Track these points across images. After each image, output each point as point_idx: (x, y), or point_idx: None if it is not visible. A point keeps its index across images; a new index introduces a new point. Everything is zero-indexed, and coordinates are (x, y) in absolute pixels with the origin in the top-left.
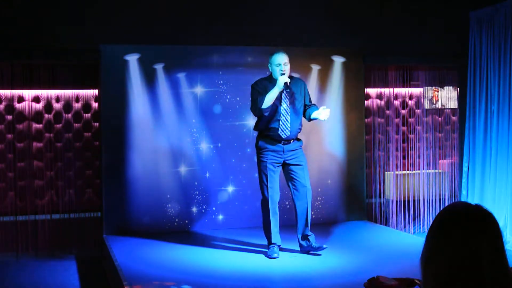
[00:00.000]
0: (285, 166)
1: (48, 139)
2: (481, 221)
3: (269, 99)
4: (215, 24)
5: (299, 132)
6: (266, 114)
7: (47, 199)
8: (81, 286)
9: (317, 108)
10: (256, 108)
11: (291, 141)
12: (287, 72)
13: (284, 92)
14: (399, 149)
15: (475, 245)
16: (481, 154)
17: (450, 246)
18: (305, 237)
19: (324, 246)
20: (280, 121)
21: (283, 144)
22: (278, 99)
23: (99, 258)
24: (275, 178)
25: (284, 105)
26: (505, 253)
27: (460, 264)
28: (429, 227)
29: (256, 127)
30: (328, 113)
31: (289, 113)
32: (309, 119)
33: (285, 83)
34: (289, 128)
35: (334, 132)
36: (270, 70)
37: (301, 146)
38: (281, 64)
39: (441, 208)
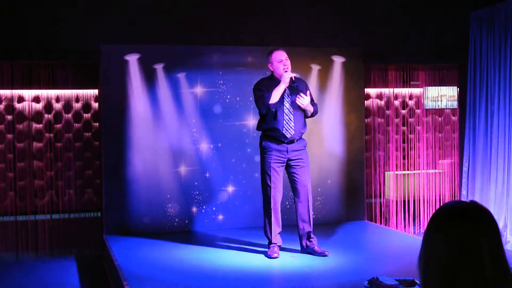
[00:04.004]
0: (288, 166)
1: (48, 139)
2: (477, 217)
3: (276, 95)
4: (215, 24)
5: (304, 133)
6: (274, 110)
7: (47, 199)
8: (81, 286)
9: (316, 106)
10: (264, 104)
11: (295, 141)
12: (290, 68)
13: (292, 86)
14: (399, 149)
15: (473, 242)
16: (481, 154)
17: (447, 245)
18: (307, 238)
19: (326, 253)
20: (284, 121)
21: (286, 144)
22: (280, 98)
23: (99, 258)
24: (278, 178)
25: (287, 105)
26: (504, 249)
27: (458, 262)
28: (425, 226)
29: (259, 127)
30: (302, 100)
31: (292, 113)
32: (306, 116)
33: (291, 78)
34: (292, 128)
35: (334, 132)
36: (271, 69)
37: (305, 146)
38: (283, 60)
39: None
